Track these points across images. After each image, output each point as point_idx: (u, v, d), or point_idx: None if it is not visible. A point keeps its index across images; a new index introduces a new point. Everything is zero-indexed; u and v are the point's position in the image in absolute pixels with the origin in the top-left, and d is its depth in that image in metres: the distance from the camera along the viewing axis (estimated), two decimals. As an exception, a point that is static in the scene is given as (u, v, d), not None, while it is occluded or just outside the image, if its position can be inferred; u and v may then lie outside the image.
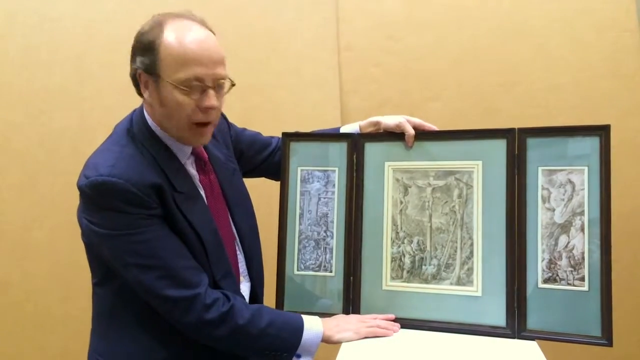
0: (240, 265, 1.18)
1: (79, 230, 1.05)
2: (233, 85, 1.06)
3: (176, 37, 0.97)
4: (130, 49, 1.04)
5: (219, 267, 1.07)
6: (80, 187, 0.99)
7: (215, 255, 1.07)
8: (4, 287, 1.98)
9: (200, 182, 1.11)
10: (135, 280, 0.99)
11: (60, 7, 1.95)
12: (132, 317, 1.06)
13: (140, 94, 1.05)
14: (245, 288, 1.18)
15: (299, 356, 1.07)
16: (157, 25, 0.98)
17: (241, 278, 1.17)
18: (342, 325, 1.12)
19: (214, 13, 1.95)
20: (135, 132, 1.05)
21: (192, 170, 1.11)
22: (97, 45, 1.94)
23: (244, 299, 1.14)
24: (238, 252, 1.18)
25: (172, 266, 0.99)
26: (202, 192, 1.11)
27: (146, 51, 0.98)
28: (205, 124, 1.04)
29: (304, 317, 1.09)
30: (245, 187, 1.28)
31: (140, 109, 1.08)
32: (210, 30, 1.04)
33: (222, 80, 1.03)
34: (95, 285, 1.11)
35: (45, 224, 1.96)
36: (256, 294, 1.21)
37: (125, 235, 0.97)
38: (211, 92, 1.00)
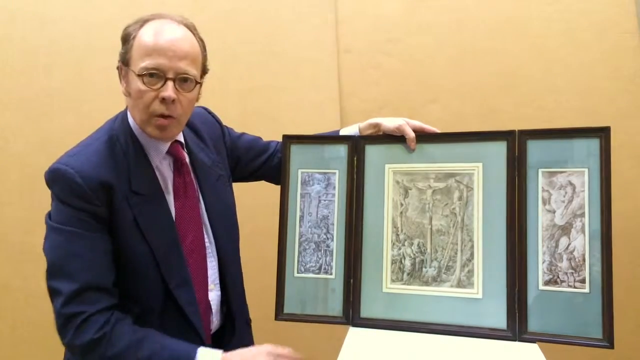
0: (211, 272, 1.15)
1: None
2: (198, 83, 1.07)
3: (148, 31, 1.02)
4: None
5: (173, 275, 1.05)
6: (44, 175, 1.03)
7: (167, 262, 1.05)
8: (4, 290, 1.97)
9: (174, 182, 1.11)
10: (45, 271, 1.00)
11: (60, 10, 1.95)
12: None
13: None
14: (214, 296, 1.16)
15: None
16: (140, 22, 1.04)
17: (211, 286, 1.15)
18: (246, 356, 1.01)
19: (214, 16, 1.96)
20: (115, 128, 1.08)
21: (167, 172, 1.11)
22: (96, 48, 1.94)
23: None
24: (211, 259, 1.16)
25: (78, 278, 0.97)
26: (171, 195, 1.10)
27: (124, 44, 1.05)
28: (165, 117, 1.04)
29: (202, 350, 0.99)
30: (230, 194, 1.27)
31: (127, 107, 1.11)
32: (193, 32, 1.07)
33: (186, 76, 1.03)
34: None
35: (44, 227, 1.95)
36: (228, 302, 1.19)
37: (56, 227, 1.00)
38: (170, 83, 1.01)
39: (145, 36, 1.01)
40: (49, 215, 1.03)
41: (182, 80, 1.03)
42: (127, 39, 1.04)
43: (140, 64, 1.00)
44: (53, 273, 0.99)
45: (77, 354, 1.00)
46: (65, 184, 0.99)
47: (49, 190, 1.04)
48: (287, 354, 1.04)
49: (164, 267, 1.04)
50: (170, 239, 1.07)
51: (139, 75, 1.00)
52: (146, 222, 1.03)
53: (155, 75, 1.00)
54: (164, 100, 1.01)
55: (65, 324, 0.97)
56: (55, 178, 1.00)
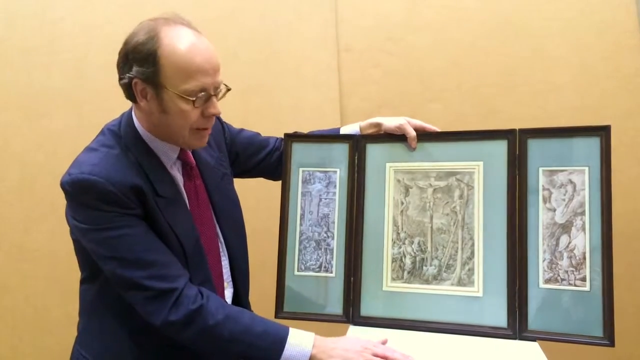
0: (224, 271, 1.17)
1: (78, 233, 1.05)
2: (228, 90, 1.07)
3: (178, 46, 0.97)
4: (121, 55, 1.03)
5: (198, 274, 1.07)
6: (62, 184, 1.00)
7: (194, 261, 1.07)
8: (3, 290, 1.98)
9: (184, 187, 1.11)
10: (112, 274, 1.00)
11: (59, 10, 1.95)
12: (111, 313, 1.07)
13: (133, 100, 1.05)
14: (229, 294, 1.18)
15: None
16: (153, 34, 0.98)
17: (225, 284, 1.17)
18: (338, 350, 1.00)
19: (214, 15, 1.96)
20: (122, 135, 1.06)
21: (178, 175, 1.11)
22: (96, 47, 1.94)
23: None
24: (223, 258, 1.17)
25: (148, 260, 0.99)
26: (186, 198, 1.11)
27: (145, 62, 0.98)
28: (205, 129, 1.06)
29: (293, 330, 1.01)
30: (234, 191, 1.27)
31: (129, 113, 1.09)
32: (199, 33, 1.04)
33: (220, 88, 1.04)
34: (81, 281, 1.13)
35: (44, 227, 1.96)
36: (240, 299, 1.21)
37: (102, 230, 0.98)
38: (214, 99, 1.02)
39: (178, 54, 0.96)
40: (78, 221, 1.00)
41: (218, 91, 1.04)
42: (149, 57, 0.97)
43: (183, 85, 0.97)
44: (120, 266, 0.98)
45: (175, 331, 0.99)
46: (99, 194, 0.97)
47: (71, 199, 1.01)
48: (385, 354, 0.99)
49: (191, 265, 1.06)
50: (194, 239, 1.08)
51: (183, 97, 0.98)
52: (175, 223, 1.04)
53: (200, 95, 0.99)
54: (210, 116, 1.03)
55: (158, 306, 0.97)
56: (84, 188, 0.97)
